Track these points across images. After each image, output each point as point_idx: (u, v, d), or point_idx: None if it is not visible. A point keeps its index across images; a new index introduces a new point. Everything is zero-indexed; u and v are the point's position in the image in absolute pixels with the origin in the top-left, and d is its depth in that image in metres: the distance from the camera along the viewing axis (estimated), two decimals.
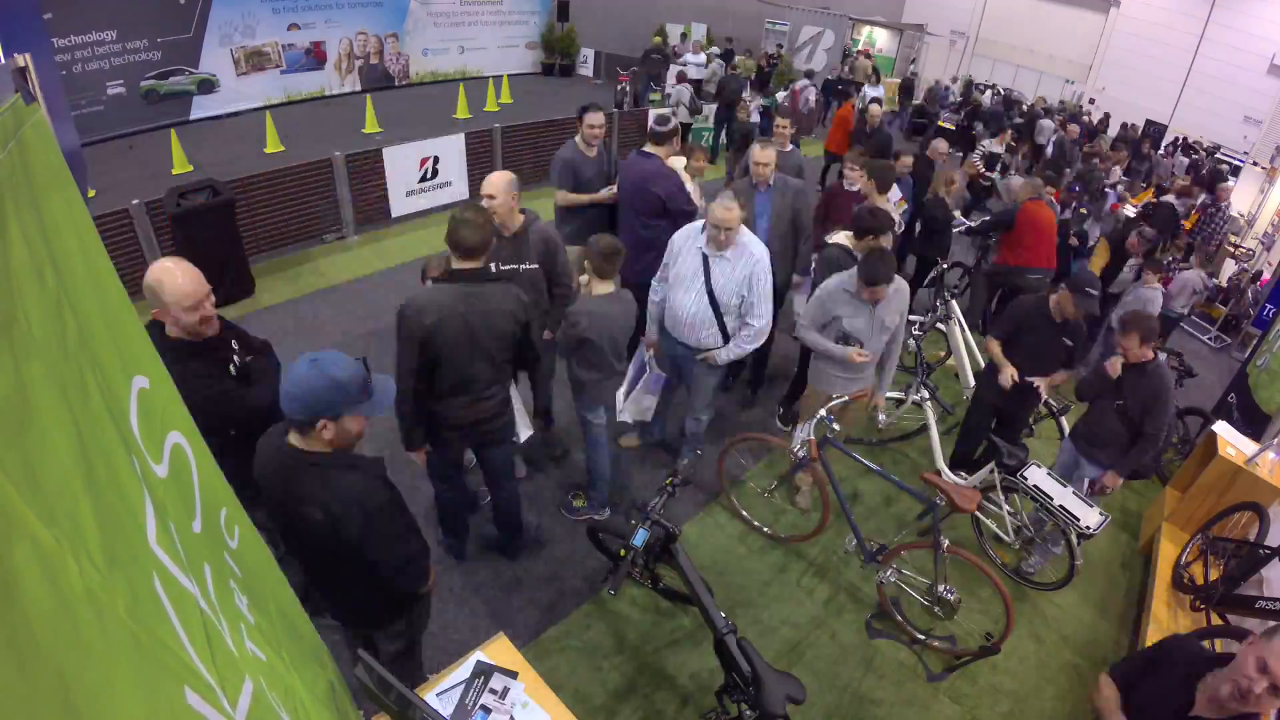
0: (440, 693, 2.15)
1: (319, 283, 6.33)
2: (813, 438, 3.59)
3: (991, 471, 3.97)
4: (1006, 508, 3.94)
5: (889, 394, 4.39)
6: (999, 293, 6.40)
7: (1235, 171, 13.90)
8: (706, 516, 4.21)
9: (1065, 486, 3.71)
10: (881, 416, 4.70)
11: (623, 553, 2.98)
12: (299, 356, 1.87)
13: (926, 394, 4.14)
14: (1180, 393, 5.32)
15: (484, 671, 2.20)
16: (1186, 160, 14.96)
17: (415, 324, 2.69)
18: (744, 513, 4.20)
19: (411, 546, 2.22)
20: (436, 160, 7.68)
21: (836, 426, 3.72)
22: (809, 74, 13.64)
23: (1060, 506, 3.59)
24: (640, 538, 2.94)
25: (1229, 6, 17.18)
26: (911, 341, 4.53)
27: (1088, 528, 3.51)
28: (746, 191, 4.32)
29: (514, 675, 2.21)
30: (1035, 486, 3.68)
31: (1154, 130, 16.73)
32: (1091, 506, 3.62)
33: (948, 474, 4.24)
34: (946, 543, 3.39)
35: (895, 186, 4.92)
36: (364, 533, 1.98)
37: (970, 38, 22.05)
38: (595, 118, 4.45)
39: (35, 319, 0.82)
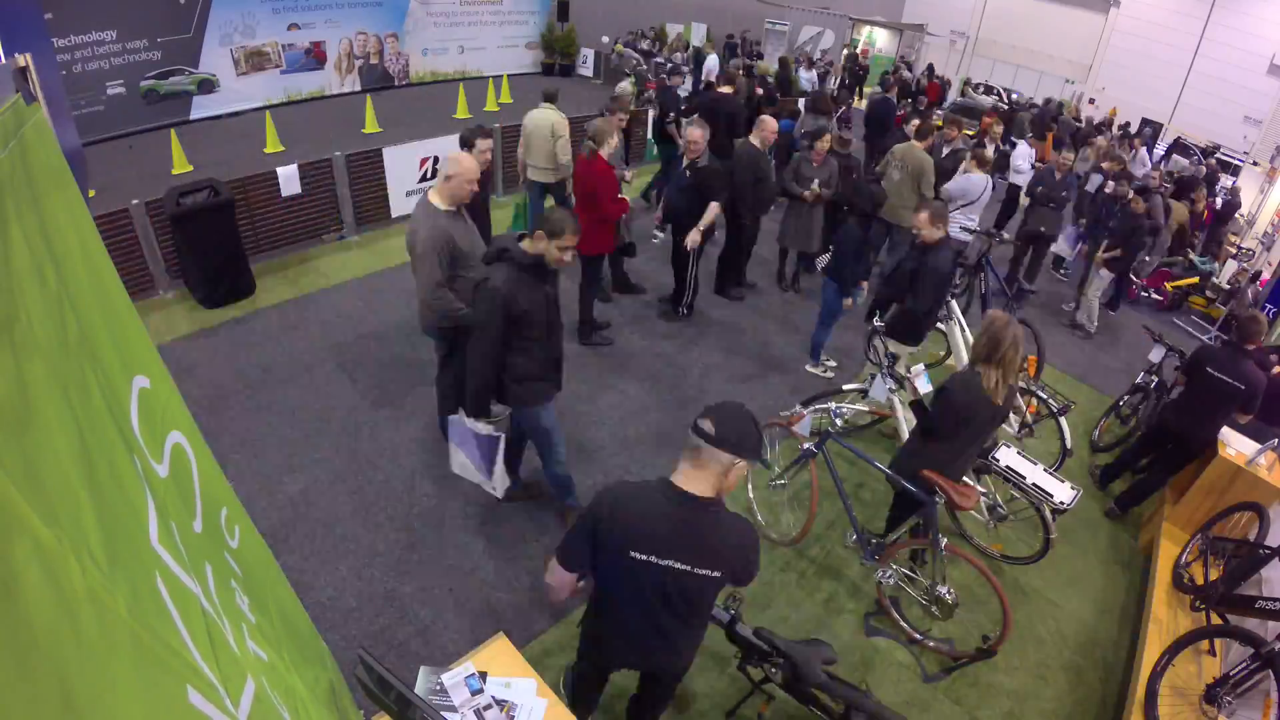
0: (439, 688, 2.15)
1: (319, 283, 6.32)
2: (802, 412, 3.76)
3: None
4: (979, 489, 4.02)
5: (852, 386, 4.51)
6: None
7: (1235, 171, 13.90)
8: None
9: (1035, 464, 3.85)
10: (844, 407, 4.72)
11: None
12: None
13: (894, 384, 4.17)
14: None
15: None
16: (1185, 161, 14.94)
17: None
18: (752, 498, 4.24)
19: None
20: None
21: (839, 421, 3.75)
22: None
23: (1033, 485, 3.73)
24: None
25: (1229, 6, 17.19)
26: (878, 340, 4.58)
27: (1061, 503, 3.66)
28: None
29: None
30: (1007, 467, 3.78)
31: (1150, 129, 16.72)
32: (1063, 482, 3.76)
33: None
34: (945, 541, 3.40)
35: None
36: None
37: (970, 38, 22.05)
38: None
39: (36, 318, 0.82)
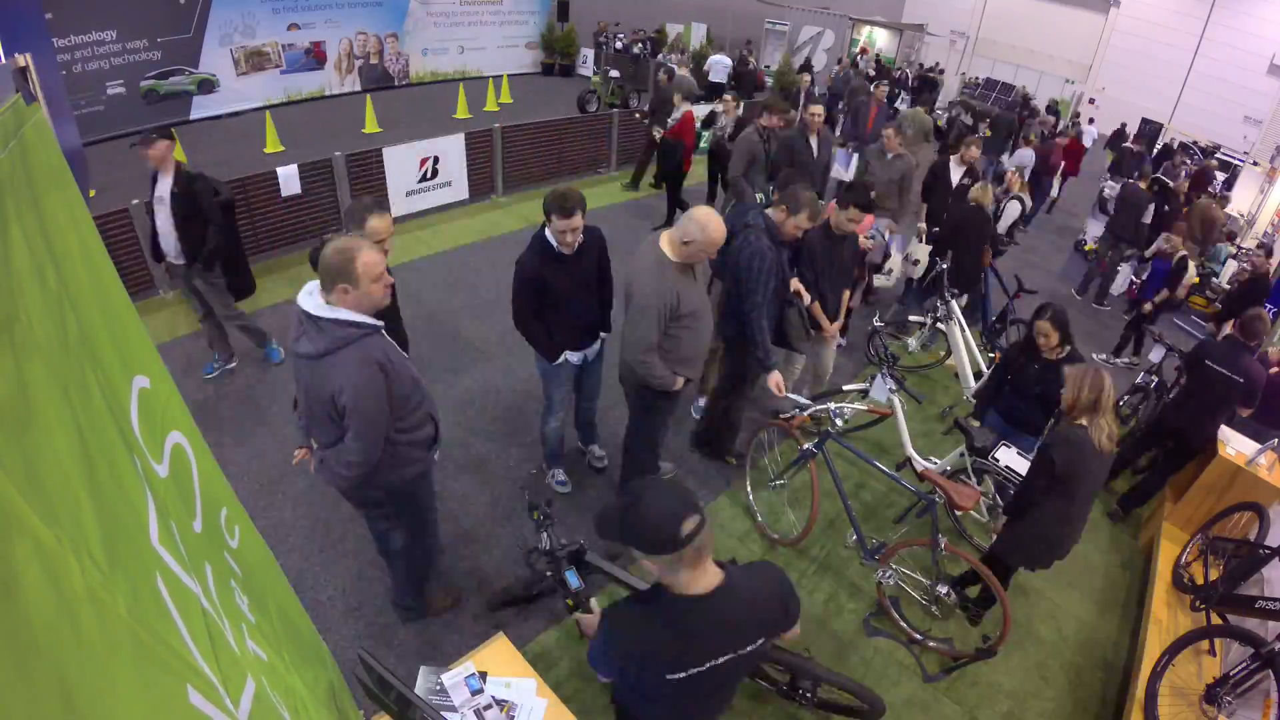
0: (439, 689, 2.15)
1: None
2: (798, 412, 3.80)
3: (962, 455, 4.02)
4: (979, 489, 4.01)
5: (852, 386, 4.49)
6: None
7: (1235, 171, 13.89)
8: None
9: None
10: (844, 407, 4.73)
11: (570, 604, 2.69)
12: None
13: (895, 384, 4.17)
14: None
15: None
16: (1188, 161, 14.95)
17: None
18: (752, 499, 4.24)
19: None
20: (436, 160, 7.67)
21: (839, 421, 3.75)
22: None
23: None
24: (574, 578, 2.64)
25: (1229, 6, 17.20)
26: (877, 339, 4.58)
27: None
28: None
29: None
30: (1007, 467, 3.76)
31: (1149, 129, 16.71)
32: None
33: (918, 460, 4.27)
34: (945, 541, 3.40)
35: None
36: None
37: (970, 38, 22.06)
38: None
39: (37, 318, 0.82)
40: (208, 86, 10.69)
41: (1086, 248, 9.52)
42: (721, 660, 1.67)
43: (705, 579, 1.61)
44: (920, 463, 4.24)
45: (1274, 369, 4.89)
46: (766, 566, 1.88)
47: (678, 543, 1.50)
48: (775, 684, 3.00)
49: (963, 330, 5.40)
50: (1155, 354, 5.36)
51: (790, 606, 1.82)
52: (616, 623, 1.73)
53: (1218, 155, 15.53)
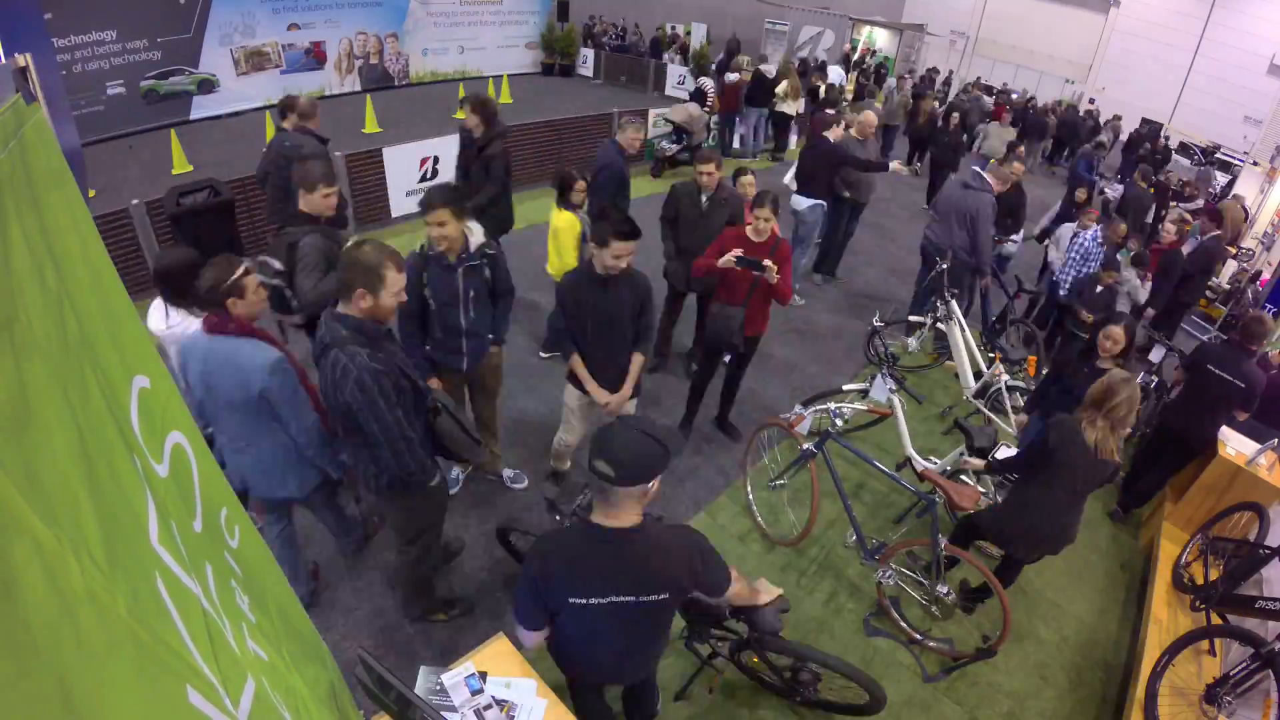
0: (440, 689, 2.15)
1: None
2: (802, 412, 3.77)
3: (962, 455, 4.01)
4: (979, 489, 4.01)
5: (852, 386, 4.48)
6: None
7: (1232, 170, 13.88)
8: (706, 517, 4.21)
9: None
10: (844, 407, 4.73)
11: None
12: None
13: (895, 384, 4.16)
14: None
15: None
16: (1186, 161, 14.95)
17: None
18: (752, 499, 4.24)
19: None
20: (436, 160, 7.68)
21: (839, 421, 3.75)
22: None
23: None
24: None
25: (1229, 6, 17.19)
26: (877, 339, 4.58)
27: None
28: None
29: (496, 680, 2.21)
30: None
31: (1149, 129, 16.70)
32: None
33: (918, 460, 4.26)
34: (945, 541, 3.40)
35: None
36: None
37: (970, 38, 22.05)
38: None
39: (36, 318, 0.82)
40: (208, 86, 10.70)
41: None
42: (621, 600, 1.87)
43: (620, 520, 1.83)
44: (920, 463, 4.24)
45: (1274, 371, 4.89)
46: (688, 531, 2.07)
47: (594, 473, 1.77)
48: (776, 674, 2.99)
49: (963, 330, 5.40)
50: (1155, 354, 5.37)
51: (700, 570, 1.95)
52: (541, 539, 2.02)
53: (1218, 155, 15.53)
